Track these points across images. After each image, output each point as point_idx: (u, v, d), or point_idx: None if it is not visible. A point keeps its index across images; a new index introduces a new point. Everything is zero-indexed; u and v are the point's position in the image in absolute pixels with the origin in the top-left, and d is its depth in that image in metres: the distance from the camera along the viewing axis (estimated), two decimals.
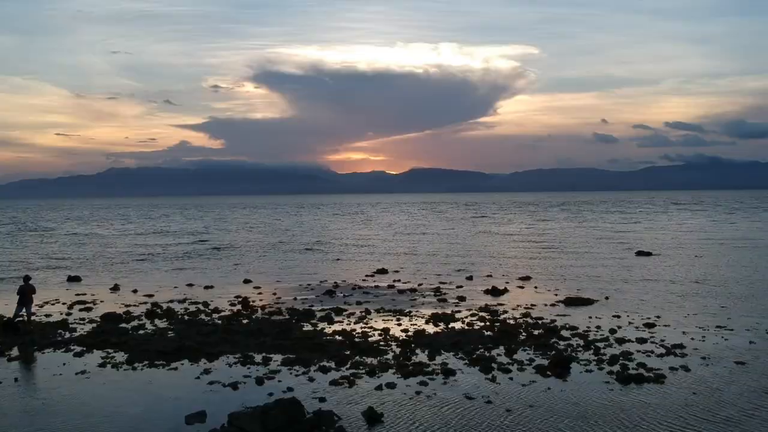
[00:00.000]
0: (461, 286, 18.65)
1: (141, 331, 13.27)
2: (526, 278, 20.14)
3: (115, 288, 19.33)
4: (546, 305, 15.60)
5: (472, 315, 14.46)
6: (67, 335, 13.11)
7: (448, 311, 15.00)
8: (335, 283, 19.80)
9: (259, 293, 17.97)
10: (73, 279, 21.29)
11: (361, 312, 14.96)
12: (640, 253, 26.77)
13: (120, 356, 11.16)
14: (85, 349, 11.74)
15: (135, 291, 18.62)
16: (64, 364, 10.79)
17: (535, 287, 18.39)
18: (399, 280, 20.11)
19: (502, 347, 11.43)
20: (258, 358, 10.92)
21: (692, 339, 12.02)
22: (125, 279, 21.22)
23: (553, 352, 11.19)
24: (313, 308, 15.54)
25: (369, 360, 10.74)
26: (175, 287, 19.35)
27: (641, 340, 11.93)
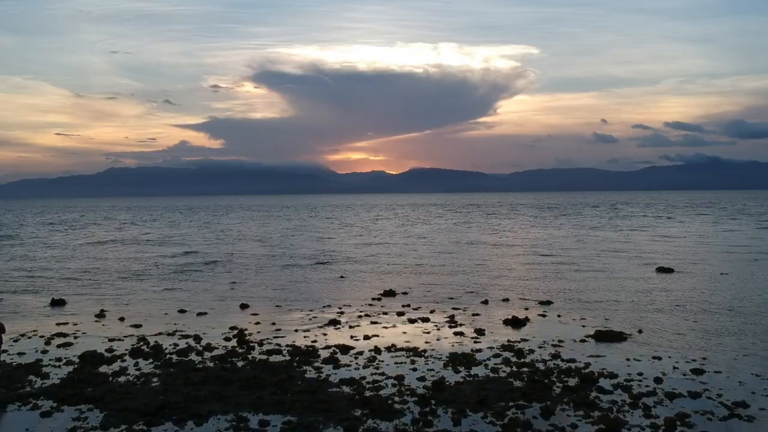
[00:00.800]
0: (478, 314, 17.08)
1: (122, 378, 11.70)
2: (546, 303, 18.60)
3: (101, 315, 17.76)
4: (575, 341, 14.06)
5: (495, 356, 12.89)
6: (38, 383, 11.60)
7: (468, 349, 13.50)
8: (339, 309, 18.26)
9: (257, 323, 16.42)
10: (57, 303, 19.73)
11: (370, 350, 13.44)
12: (661, 270, 25.20)
13: (94, 417, 9.58)
14: (55, 405, 10.17)
15: (122, 319, 17.07)
16: (26, 430, 9.30)
17: (558, 315, 16.84)
18: (409, 305, 18.54)
19: (536, 405, 9.86)
20: (254, 421, 9.35)
21: (753, 393, 10.49)
22: (113, 302, 19.67)
23: (597, 412, 9.69)
24: (316, 344, 14.02)
25: (383, 426, 9.21)
26: (166, 314, 17.80)
27: (694, 395, 10.39)
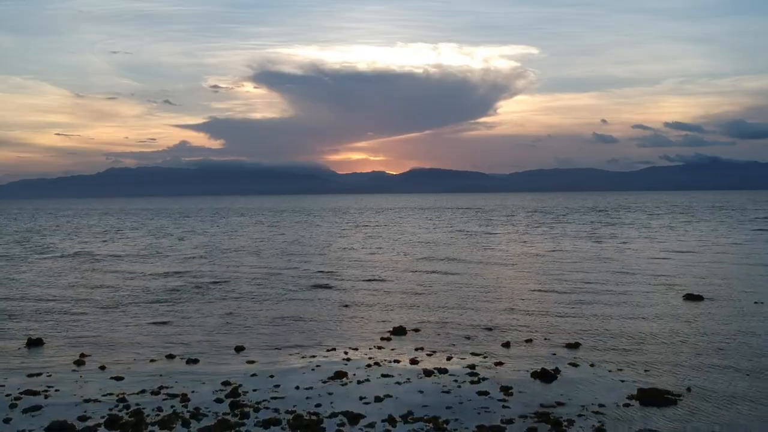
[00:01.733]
0: (501, 363, 15.16)
1: None
2: (574, 346, 16.77)
3: (80, 362, 15.88)
4: (617, 405, 12.23)
5: (530, 430, 11.18)
6: None
7: (497, 419, 11.63)
8: (345, 353, 16.39)
9: (253, 374, 14.49)
10: (34, 343, 17.87)
11: (383, 420, 11.55)
12: (689, 298, 23.34)
13: None
14: None
15: (103, 368, 15.19)
16: None
17: (591, 365, 14.96)
18: (422, 349, 16.65)
19: None
20: None
21: None
22: (93, 342, 17.79)
23: None
24: (321, 411, 12.17)
25: None
26: (152, 360, 15.94)
27: None
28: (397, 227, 72.87)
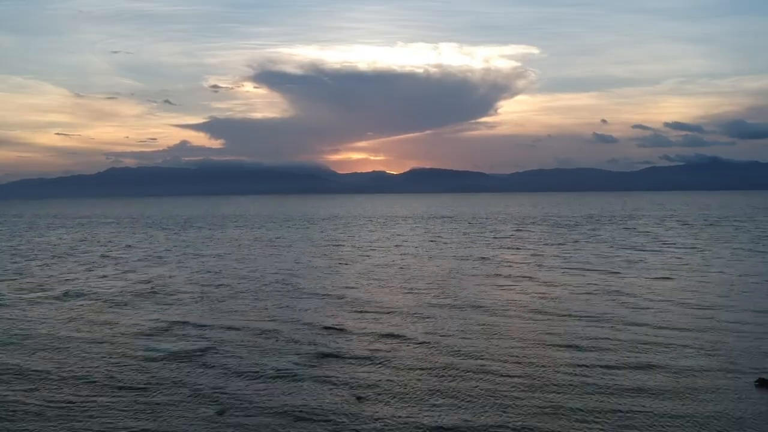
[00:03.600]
0: None
1: None
2: None
3: None
4: None
5: None
6: None
7: None
8: None
9: None
10: None
11: None
12: (762, 384, 19.86)
13: None
14: None
15: None
16: None
17: None
18: None
19: None
20: None
21: None
22: None
23: None
24: None
25: None
26: None
27: None
28: (401, 239, 69.42)
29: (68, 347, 25.09)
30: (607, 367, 21.74)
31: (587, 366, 21.94)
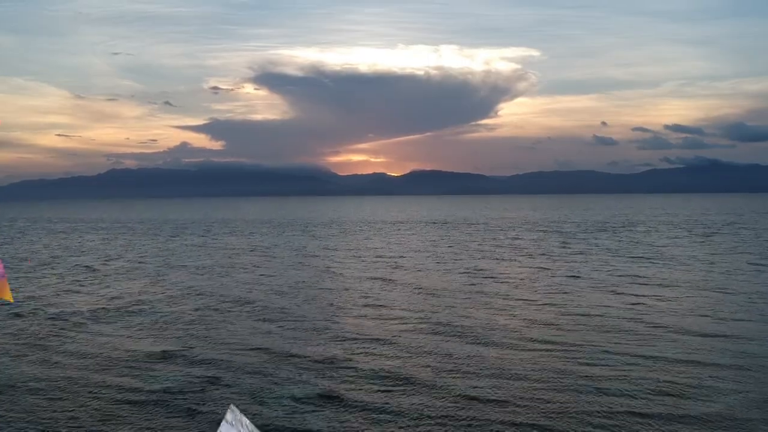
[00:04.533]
0: None
1: None
2: None
3: None
4: None
5: None
6: None
7: None
8: None
9: None
10: None
11: None
12: None
13: None
14: None
15: None
16: None
17: None
18: None
19: None
20: None
21: None
22: None
23: None
24: None
25: None
26: None
27: None
28: (405, 248, 66.56)
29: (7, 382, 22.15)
30: (636, 414, 18.90)
31: (612, 412, 19.10)
